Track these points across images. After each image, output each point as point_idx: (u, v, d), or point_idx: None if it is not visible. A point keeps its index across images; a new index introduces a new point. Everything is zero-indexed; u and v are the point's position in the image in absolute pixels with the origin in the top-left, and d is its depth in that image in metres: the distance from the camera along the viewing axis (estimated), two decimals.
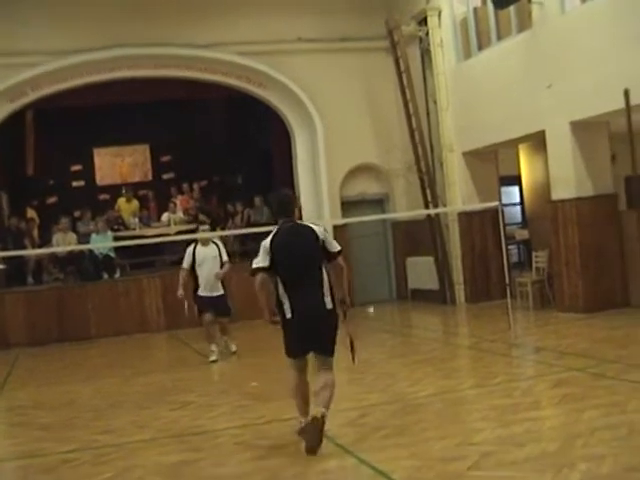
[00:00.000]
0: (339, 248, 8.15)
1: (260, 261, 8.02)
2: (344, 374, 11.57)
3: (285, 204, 8.34)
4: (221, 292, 14.48)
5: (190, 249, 14.58)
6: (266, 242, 8.04)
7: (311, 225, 8.26)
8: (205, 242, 14.63)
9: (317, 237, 8.01)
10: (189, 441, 8.77)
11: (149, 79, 21.12)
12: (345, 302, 8.24)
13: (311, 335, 7.95)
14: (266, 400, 10.44)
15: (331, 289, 8.02)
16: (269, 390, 11.05)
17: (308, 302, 7.92)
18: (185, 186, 23.56)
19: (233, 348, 14.77)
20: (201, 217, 21.17)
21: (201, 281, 14.36)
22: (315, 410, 7.85)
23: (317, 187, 21.63)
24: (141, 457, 8.22)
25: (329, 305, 7.97)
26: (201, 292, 14.40)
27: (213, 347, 14.37)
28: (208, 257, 14.40)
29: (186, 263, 14.47)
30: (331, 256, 8.10)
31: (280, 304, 7.99)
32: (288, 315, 7.93)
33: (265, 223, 20.61)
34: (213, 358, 14.29)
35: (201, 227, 15.95)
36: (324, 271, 8.06)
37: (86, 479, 7.50)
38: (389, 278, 22.49)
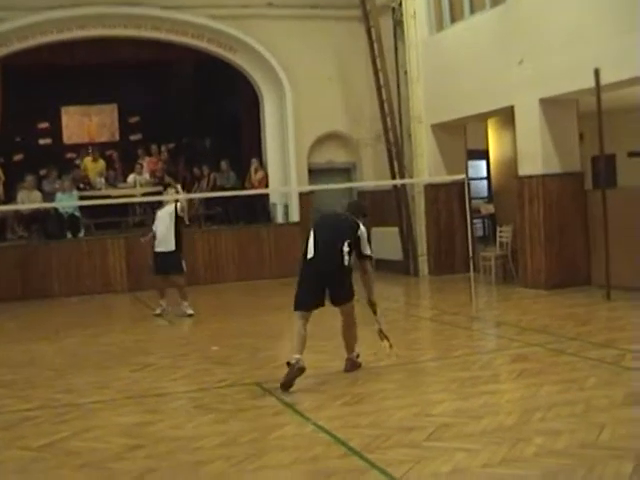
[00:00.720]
0: (368, 253, 9.61)
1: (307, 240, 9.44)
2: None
3: (352, 206, 9.99)
4: (172, 248, 14.77)
5: (158, 210, 15.21)
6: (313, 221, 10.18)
7: (358, 221, 9.51)
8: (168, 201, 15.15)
9: (356, 231, 9.36)
10: (148, 403, 8.79)
11: (119, 39, 20.98)
12: (371, 301, 9.79)
13: (329, 287, 9.30)
14: (226, 364, 10.47)
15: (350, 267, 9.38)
16: (230, 354, 11.11)
17: (329, 264, 9.23)
18: (153, 147, 23.38)
19: (189, 311, 14.88)
20: (167, 179, 21.13)
21: (157, 236, 14.90)
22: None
23: (285, 153, 21.60)
24: (100, 417, 8.22)
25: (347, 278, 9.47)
26: (156, 247, 14.93)
27: (162, 302, 15.06)
28: (164, 214, 14.88)
29: (154, 225, 15.13)
30: (361, 256, 9.53)
31: (306, 253, 9.28)
32: (310, 255, 9.18)
33: (231, 187, 20.64)
34: (157, 312, 15.03)
35: (170, 188, 16.19)
36: (349, 256, 9.31)
37: (45, 437, 7.49)
38: None
